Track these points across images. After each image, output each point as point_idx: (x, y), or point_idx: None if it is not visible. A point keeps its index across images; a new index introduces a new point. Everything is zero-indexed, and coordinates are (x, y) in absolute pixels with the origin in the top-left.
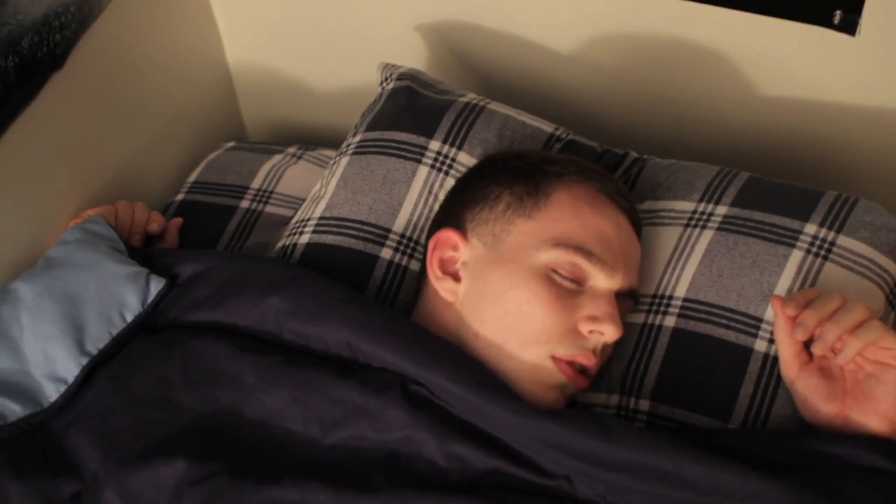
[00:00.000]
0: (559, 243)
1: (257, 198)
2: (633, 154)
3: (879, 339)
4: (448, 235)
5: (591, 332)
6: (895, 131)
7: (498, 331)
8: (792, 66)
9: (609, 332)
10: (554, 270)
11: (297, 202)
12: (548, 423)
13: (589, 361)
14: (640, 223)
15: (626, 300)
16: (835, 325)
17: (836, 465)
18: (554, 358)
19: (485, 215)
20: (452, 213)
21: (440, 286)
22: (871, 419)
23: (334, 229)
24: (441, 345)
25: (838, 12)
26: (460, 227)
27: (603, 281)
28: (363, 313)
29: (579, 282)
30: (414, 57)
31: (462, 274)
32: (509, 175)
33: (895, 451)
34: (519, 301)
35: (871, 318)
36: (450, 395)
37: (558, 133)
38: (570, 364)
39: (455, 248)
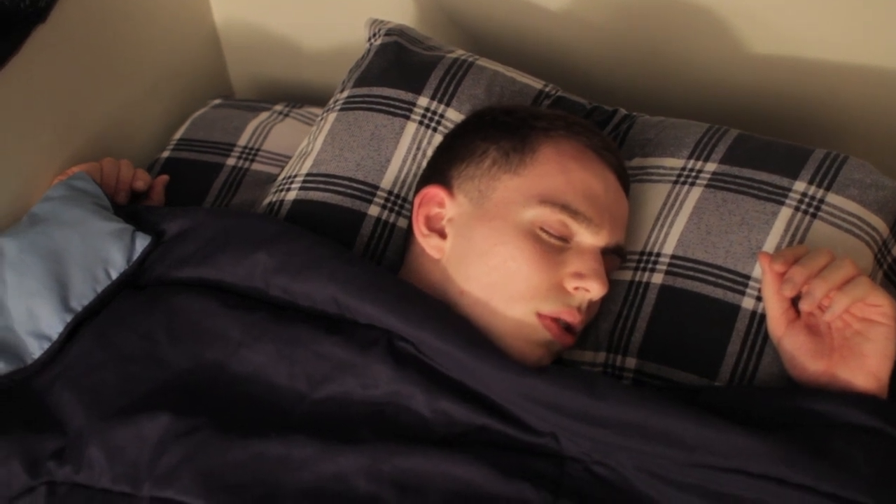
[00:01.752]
0: (545, 200)
1: (244, 155)
2: (623, 111)
3: (867, 295)
4: (434, 192)
5: (576, 288)
6: (885, 89)
7: (484, 287)
8: (782, 23)
9: (594, 289)
10: (540, 228)
11: (283, 160)
12: (534, 379)
13: (573, 318)
14: (627, 179)
15: (613, 257)
16: (822, 282)
17: (823, 422)
18: (539, 314)
19: (471, 171)
20: (439, 170)
21: (426, 243)
22: (859, 376)
23: (322, 186)
24: (428, 302)
25: None
26: (447, 184)
27: (588, 238)
28: (350, 269)
29: (565, 239)
30: (402, 13)
31: (448, 230)
32: (496, 130)
33: (882, 409)
34: (504, 257)
35: (858, 274)
36: (437, 352)
37: (547, 89)
38: (556, 321)
39: (441, 204)
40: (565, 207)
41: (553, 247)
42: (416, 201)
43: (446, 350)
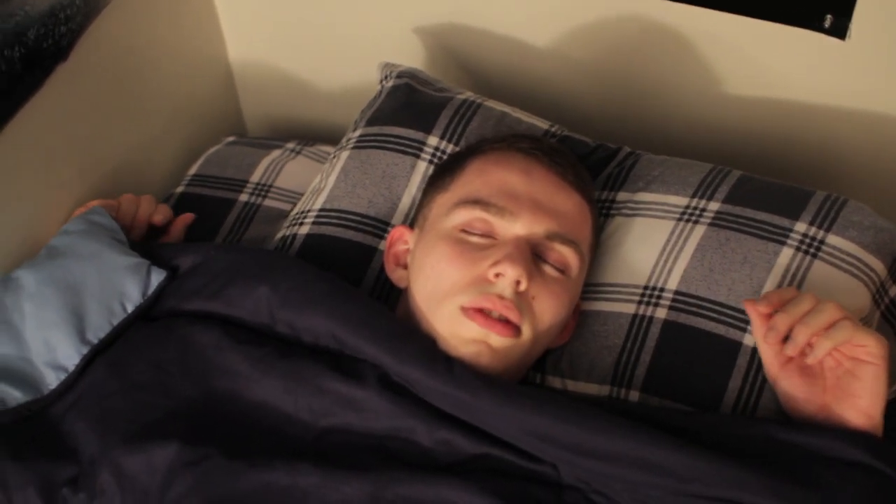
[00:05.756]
0: (461, 202)
1: (256, 191)
2: (627, 149)
3: (851, 337)
4: (399, 232)
5: (496, 275)
6: (883, 134)
7: (423, 299)
8: (782, 68)
9: (508, 271)
10: (462, 230)
11: (295, 196)
12: (530, 414)
13: (493, 305)
14: (570, 172)
15: (557, 245)
16: (805, 327)
17: (815, 456)
18: (462, 308)
19: (421, 204)
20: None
21: (393, 276)
22: (851, 415)
23: (334, 221)
24: (419, 339)
25: (829, 16)
26: (411, 223)
27: (506, 227)
28: (347, 306)
29: (491, 235)
30: (412, 57)
31: (409, 261)
32: (444, 164)
33: (873, 446)
34: (432, 264)
35: (843, 317)
36: (430, 391)
37: (553, 129)
38: (479, 311)
39: (406, 241)
40: (477, 202)
41: (477, 245)
42: (386, 244)
43: (439, 389)
